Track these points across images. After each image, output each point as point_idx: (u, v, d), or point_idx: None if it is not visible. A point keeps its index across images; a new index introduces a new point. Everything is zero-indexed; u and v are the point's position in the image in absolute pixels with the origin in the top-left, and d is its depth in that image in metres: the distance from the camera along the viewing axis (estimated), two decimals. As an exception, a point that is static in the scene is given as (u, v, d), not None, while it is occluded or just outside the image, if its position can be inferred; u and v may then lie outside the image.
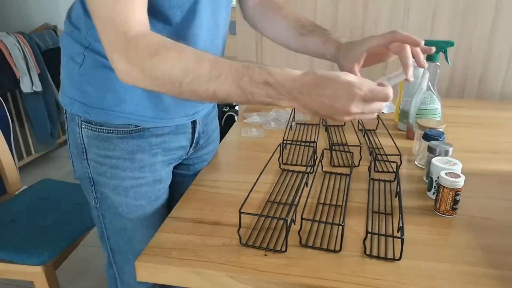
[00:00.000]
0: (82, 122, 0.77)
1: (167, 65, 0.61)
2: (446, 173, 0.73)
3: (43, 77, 2.59)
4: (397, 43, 0.74)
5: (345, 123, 1.21)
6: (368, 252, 0.63)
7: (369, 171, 0.88)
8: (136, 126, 0.78)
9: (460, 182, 0.71)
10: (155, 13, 0.68)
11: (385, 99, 0.60)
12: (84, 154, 0.79)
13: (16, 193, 1.44)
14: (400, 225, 0.65)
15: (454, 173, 0.73)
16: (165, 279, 0.63)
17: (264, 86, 0.61)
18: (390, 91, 0.60)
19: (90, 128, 0.76)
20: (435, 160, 0.78)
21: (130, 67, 0.61)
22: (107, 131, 0.76)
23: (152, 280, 0.64)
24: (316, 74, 0.61)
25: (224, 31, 0.85)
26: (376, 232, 0.69)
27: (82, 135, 0.78)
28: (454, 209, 0.73)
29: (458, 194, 0.71)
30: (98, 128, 0.76)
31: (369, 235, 0.65)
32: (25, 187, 1.48)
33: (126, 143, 0.77)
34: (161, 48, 0.61)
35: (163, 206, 0.87)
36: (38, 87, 2.53)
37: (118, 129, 0.76)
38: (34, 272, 1.12)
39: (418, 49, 0.74)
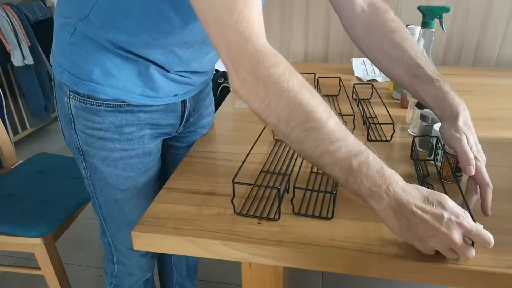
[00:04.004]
0: (70, 93, 0.75)
1: (296, 99, 0.53)
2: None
3: (34, 50, 2.54)
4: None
5: (339, 92, 1.21)
6: (359, 218, 0.64)
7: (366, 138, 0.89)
8: (124, 101, 0.76)
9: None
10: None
11: (484, 242, 0.52)
12: (72, 124, 0.78)
13: (12, 167, 1.44)
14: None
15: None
16: (161, 248, 0.64)
17: (377, 174, 0.53)
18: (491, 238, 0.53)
19: (78, 99, 0.75)
20: (437, 127, 0.78)
21: (252, 80, 0.54)
22: (95, 103, 0.75)
23: (149, 249, 0.65)
24: (421, 190, 0.55)
25: None
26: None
27: (70, 105, 0.77)
28: (456, 176, 0.73)
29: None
30: (86, 100, 0.75)
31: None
32: (21, 161, 1.49)
33: (114, 117, 0.76)
34: (293, 78, 0.54)
35: (153, 177, 0.87)
36: (29, 60, 2.49)
37: (107, 102, 0.75)
38: (34, 244, 1.14)
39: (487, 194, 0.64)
